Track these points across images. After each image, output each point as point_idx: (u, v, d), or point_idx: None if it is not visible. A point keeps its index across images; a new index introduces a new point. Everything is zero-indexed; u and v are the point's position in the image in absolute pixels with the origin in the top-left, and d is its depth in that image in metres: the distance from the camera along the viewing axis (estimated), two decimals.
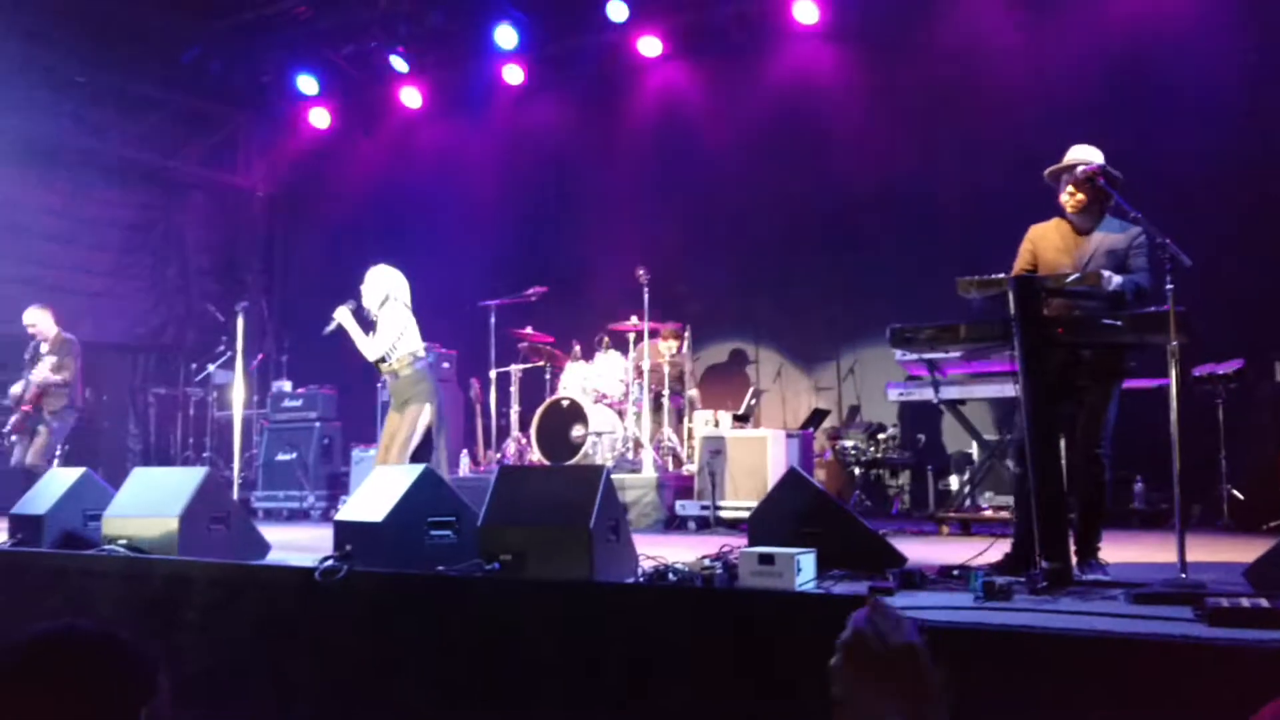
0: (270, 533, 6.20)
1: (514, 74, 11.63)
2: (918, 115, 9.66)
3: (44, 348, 8.72)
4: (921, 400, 7.70)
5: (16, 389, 8.63)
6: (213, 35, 11.65)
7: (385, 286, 6.86)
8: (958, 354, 6.29)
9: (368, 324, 6.85)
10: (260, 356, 11.29)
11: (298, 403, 10.22)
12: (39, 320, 8.81)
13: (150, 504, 5.39)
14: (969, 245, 8.12)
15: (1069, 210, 4.67)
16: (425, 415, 6.64)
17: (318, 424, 10.04)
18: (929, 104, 9.61)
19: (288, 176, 13.85)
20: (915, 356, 7.27)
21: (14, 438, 8.63)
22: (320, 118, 13.07)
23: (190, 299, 13.06)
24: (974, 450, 8.10)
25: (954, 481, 8.50)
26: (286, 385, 10.54)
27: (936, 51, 9.63)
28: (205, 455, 10.94)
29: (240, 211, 14.00)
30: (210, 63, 12.06)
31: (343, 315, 6.78)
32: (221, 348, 11.06)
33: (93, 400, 11.94)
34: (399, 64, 11.92)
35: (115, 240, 12.63)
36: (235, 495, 9.14)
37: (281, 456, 9.99)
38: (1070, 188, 4.64)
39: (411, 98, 12.33)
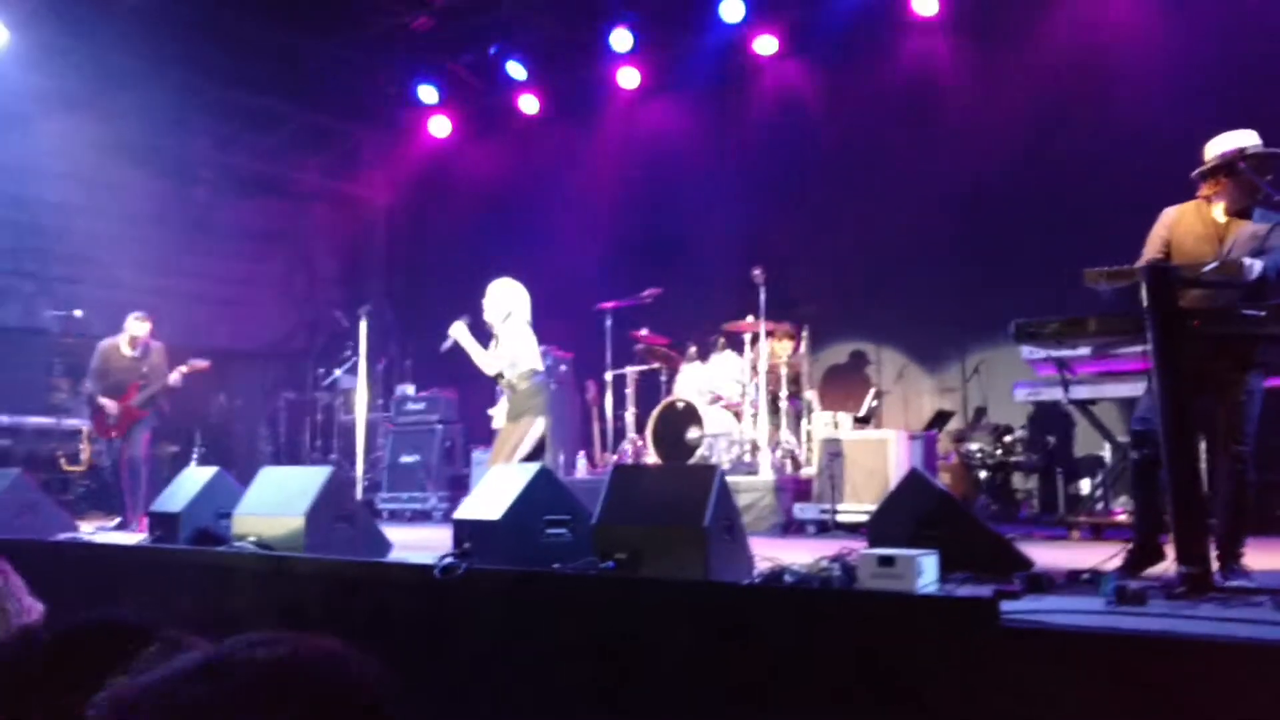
0: (393, 533, 6.32)
1: (630, 77, 11.68)
2: (1040, 106, 9.35)
3: (150, 354, 8.80)
4: (1050, 400, 7.43)
5: (106, 400, 8.63)
6: (336, 49, 11.98)
7: (508, 302, 6.97)
8: (1087, 350, 6.03)
9: (486, 336, 6.95)
10: (384, 361, 11.55)
11: (420, 406, 10.42)
12: (146, 332, 8.89)
13: (278, 502, 5.55)
14: (1097, 238, 7.80)
15: (1214, 201, 4.43)
16: (538, 427, 6.79)
17: (440, 426, 10.22)
18: (1051, 94, 9.30)
19: (409, 185, 14.17)
20: (1043, 355, 7.01)
21: (108, 439, 8.80)
22: (440, 126, 13.33)
23: (317, 306, 13.47)
24: (1106, 452, 7.78)
25: (1085, 485, 8.19)
26: (410, 389, 10.76)
27: (1057, 40, 9.33)
28: (332, 457, 11.23)
29: (363, 220, 14.40)
30: (332, 76, 12.42)
31: (459, 331, 6.96)
32: (347, 353, 11.36)
33: (227, 405, 12.41)
34: (516, 71, 12.08)
35: (247, 250, 13.12)
36: (360, 496, 9.39)
37: (405, 459, 10.20)
38: (1211, 182, 4.41)
39: (529, 104, 12.48)
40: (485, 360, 6.95)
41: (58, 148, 10.77)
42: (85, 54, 10.50)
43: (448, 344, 7.01)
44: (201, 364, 8.75)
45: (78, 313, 10.61)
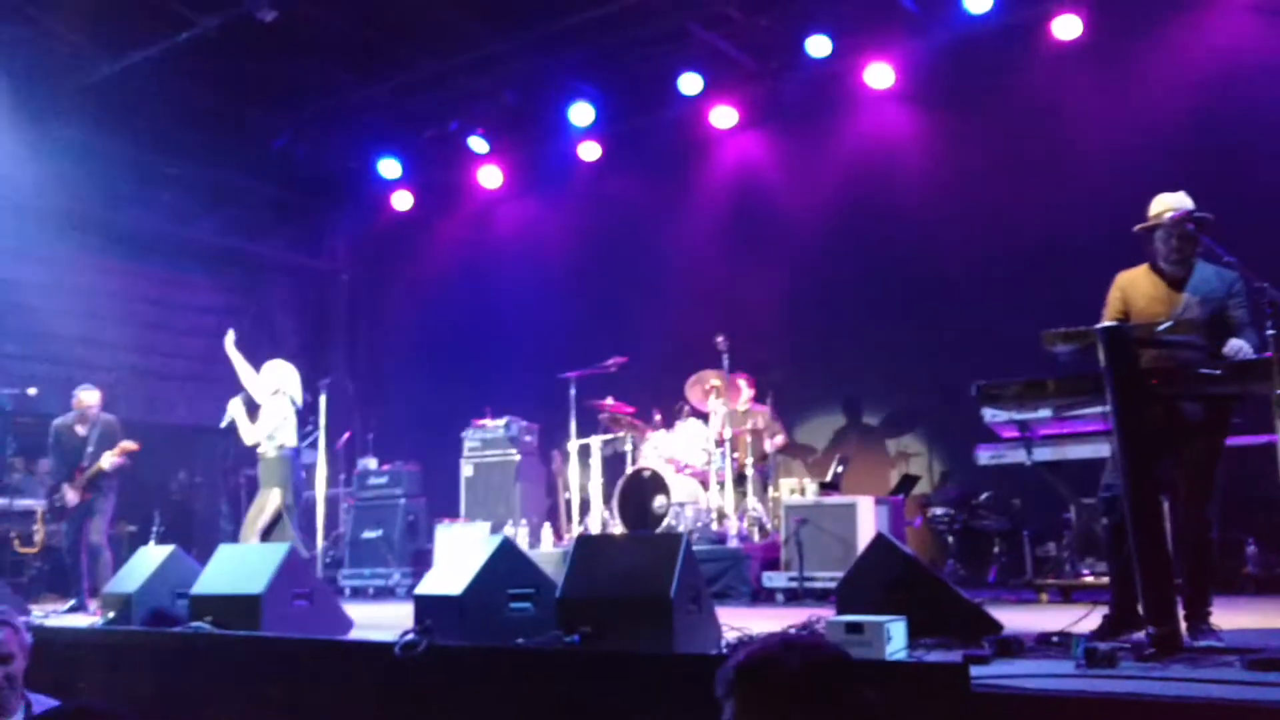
0: (356, 610, 6.21)
1: (590, 150, 11.79)
2: (995, 173, 9.50)
3: (96, 430, 8.62)
4: (1014, 463, 7.43)
5: (66, 486, 8.48)
6: (298, 124, 12.02)
7: (277, 380, 8.11)
8: (1048, 412, 6.06)
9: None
10: (347, 435, 11.42)
11: (383, 480, 10.30)
12: (96, 401, 8.76)
13: (235, 581, 5.43)
14: (1057, 301, 7.90)
15: (1168, 261, 4.50)
16: (276, 498, 7.81)
17: (403, 500, 10.09)
18: (1008, 161, 9.46)
19: (371, 258, 14.16)
20: (1006, 417, 7.01)
21: (62, 525, 8.65)
22: (402, 200, 13.36)
23: None
24: (1072, 514, 7.79)
25: (1052, 547, 8.18)
26: (372, 463, 10.64)
27: (1010, 109, 9.53)
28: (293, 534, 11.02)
29: (326, 293, 14.36)
30: (296, 150, 12.45)
31: (235, 408, 8.08)
32: (308, 427, 11.22)
33: (187, 481, 12.20)
34: (478, 145, 12.17)
35: (207, 325, 12.97)
36: (321, 573, 9.21)
37: (367, 534, 10.06)
38: (1166, 238, 4.48)
39: (491, 177, 12.56)
40: (247, 431, 7.98)
41: (10, 222, 10.67)
42: (42, 130, 10.46)
43: (226, 420, 8.08)
44: (131, 446, 8.62)
45: (32, 391, 10.40)
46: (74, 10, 9.34)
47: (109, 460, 8.44)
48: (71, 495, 8.43)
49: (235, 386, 13.06)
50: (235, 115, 11.59)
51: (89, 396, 8.67)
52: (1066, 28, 9.16)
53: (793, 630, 4.06)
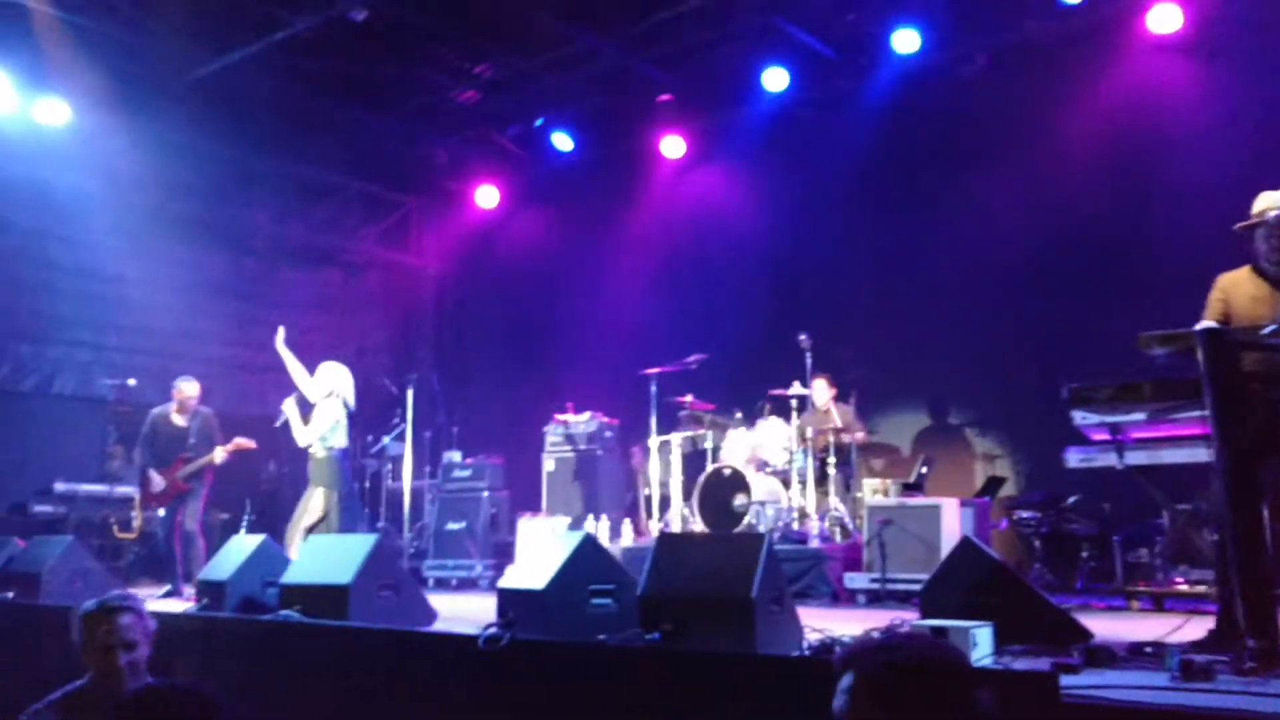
0: (439, 601, 6.30)
1: (674, 146, 11.82)
2: (1090, 166, 9.27)
3: (196, 421, 8.82)
4: (1105, 466, 7.25)
5: (152, 473, 8.66)
6: (389, 121, 12.24)
7: (331, 383, 8.27)
8: (1142, 415, 5.90)
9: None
10: (432, 428, 11.60)
11: (467, 473, 10.42)
12: (196, 392, 8.94)
13: (323, 570, 5.54)
14: (1154, 302, 7.70)
15: (1270, 261, 4.35)
16: (320, 498, 8.04)
17: (486, 493, 10.20)
18: (1099, 155, 9.22)
19: (458, 254, 14.34)
20: (1097, 419, 6.83)
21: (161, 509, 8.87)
22: (487, 197, 13.52)
23: (366, 373, 13.56)
24: (1165, 519, 7.57)
25: (1143, 553, 7.96)
26: (456, 456, 10.77)
27: (1101, 101, 9.29)
28: (379, 524, 11.24)
29: (413, 289, 14.58)
30: (384, 148, 12.67)
31: (289, 407, 8.26)
32: (395, 420, 11.43)
33: (276, 472, 12.49)
34: (563, 141, 12.27)
35: (298, 319, 13.29)
36: (406, 564, 9.36)
37: (451, 526, 10.18)
38: (1268, 237, 4.33)
39: (575, 173, 12.64)
40: (300, 432, 8.17)
41: (115, 220, 11.03)
42: (144, 130, 10.78)
43: (280, 420, 8.28)
44: (248, 443, 8.81)
45: (131, 382, 10.78)
46: (172, 11, 9.61)
47: (221, 454, 8.68)
48: (159, 482, 8.66)
49: None
50: (329, 113, 11.83)
51: (190, 388, 8.87)
52: (1163, 19, 8.93)
53: (876, 634, 4.02)
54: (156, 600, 7.85)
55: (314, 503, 8.06)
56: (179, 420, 8.82)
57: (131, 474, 10.65)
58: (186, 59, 10.37)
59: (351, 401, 8.38)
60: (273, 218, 12.94)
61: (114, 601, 4.03)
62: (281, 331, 8.53)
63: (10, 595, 7.12)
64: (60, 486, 10.01)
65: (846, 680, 1.97)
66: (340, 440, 8.21)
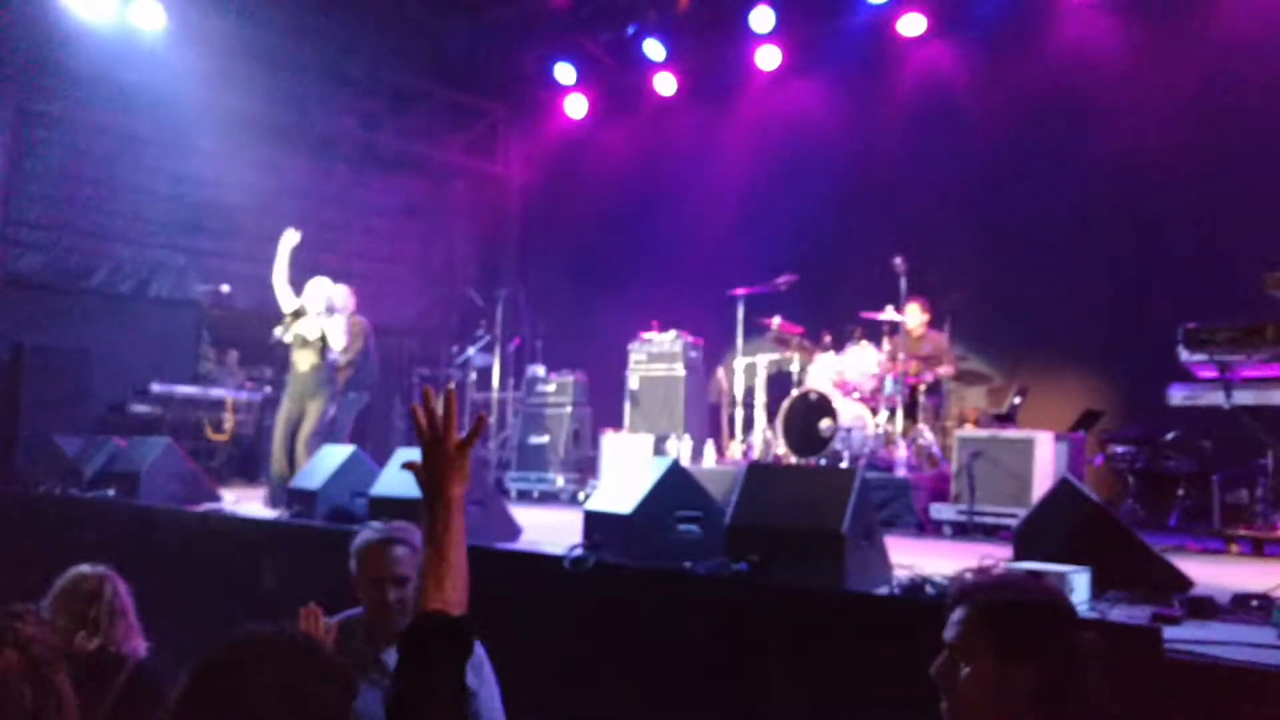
0: (521, 513, 6.34)
1: (769, 57, 11.47)
2: (1210, 101, 8.78)
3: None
4: (1211, 405, 6.97)
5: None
6: (477, 28, 12.08)
7: (325, 299, 8.06)
8: (1261, 357, 5.64)
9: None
10: (516, 341, 11.63)
11: (550, 387, 10.46)
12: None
13: (411, 484, 5.53)
14: (1258, 241, 7.35)
15: None
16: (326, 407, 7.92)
17: (569, 409, 10.23)
18: (1223, 78, 8.73)
19: (544, 164, 14.22)
20: (1205, 356, 6.59)
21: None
22: (576, 106, 13.33)
23: (454, 283, 13.64)
24: (1269, 460, 7.28)
25: (1245, 495, 7.68)
26: (540, 370, 10.81)
27: (1222, 29, 8.76)
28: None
29: (498, 200, 14.53)
30: (473, 55, 12.54)
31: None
32: (481, 332, 11.48)
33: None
34: (654, 50, 11.99)
35: (385, 227, 13.37)
36: (490, 476, 9.47)
37: (534, 439, 10.26)
38: None
39: (666, 84, 12.36)
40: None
41: (209, 125, 11.11)
42: (236, 35, 10.79)
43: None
44: None
45: (225, 288, 10.95)
46: None
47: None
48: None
49: (409, 288, 13.52)
50: (417, 20, 11.72)
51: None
52: None
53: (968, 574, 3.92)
54: (250, 503, 8.07)
55: (314, 412, 7.85)
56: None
57: (224, 376, 10.90)
58: None
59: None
60: (362, 123, 12.95)
61: (388, 533, 3.67)
62: (290, 233, 8.35)
63: (111, 493, 7.37)
64: (156, 387, 10.27)
65: (959, 613, 2.13)
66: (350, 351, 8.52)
